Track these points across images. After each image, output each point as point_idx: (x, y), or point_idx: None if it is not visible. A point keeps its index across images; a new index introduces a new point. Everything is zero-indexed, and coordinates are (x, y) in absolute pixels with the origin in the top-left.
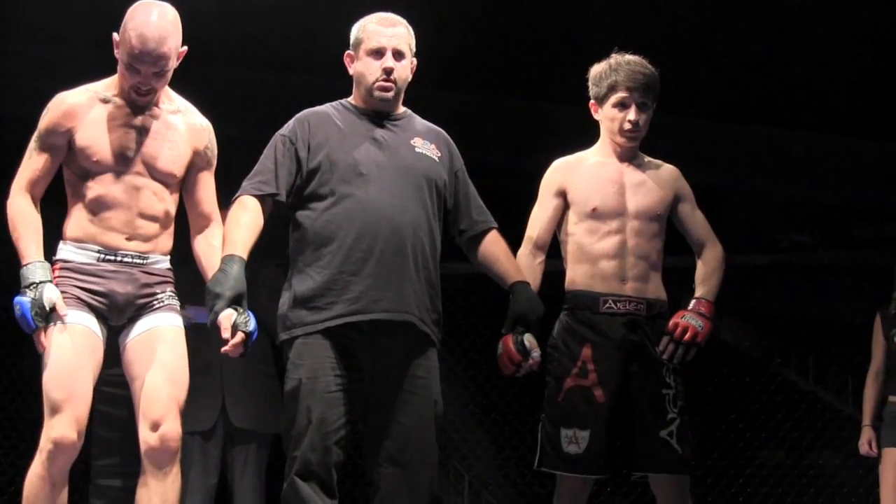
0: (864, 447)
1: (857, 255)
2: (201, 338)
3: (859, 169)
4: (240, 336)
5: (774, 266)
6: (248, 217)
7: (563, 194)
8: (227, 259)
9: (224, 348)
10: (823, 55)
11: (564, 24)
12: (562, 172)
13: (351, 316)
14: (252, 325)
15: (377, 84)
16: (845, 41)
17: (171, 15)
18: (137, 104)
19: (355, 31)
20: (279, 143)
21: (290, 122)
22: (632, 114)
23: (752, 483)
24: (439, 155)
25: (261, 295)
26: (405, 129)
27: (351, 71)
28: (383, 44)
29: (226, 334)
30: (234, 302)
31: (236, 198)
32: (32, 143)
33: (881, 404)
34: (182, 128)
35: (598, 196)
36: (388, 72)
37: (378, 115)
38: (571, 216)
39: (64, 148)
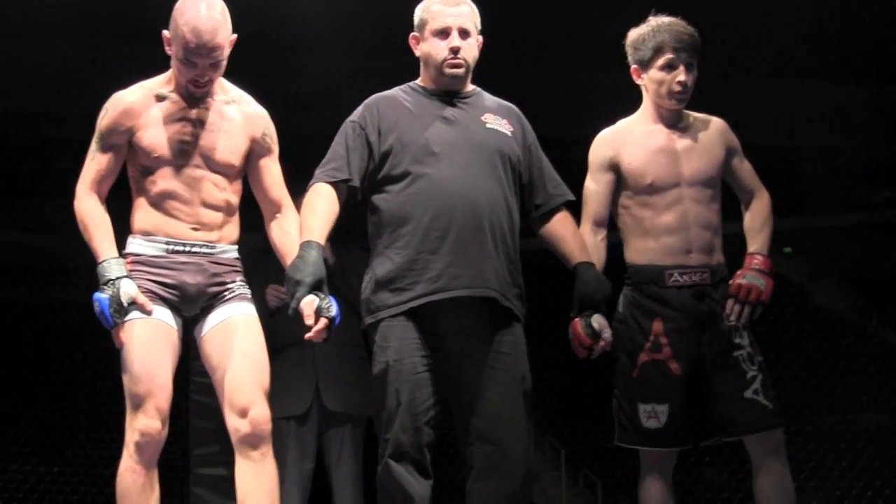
0: None
1: None
2: (293, 318)
3: None
4: (323, 322)
5: (865, 224)
6: (323, 203)
7: (614, 167)
8: (305, 245)
9: (308, 335)
10: None
11: None
12: (610, 145)
13: (432, 295)
14: (335, 310)
15: (446, 63)
16: None
17: (220, 5)
18: (194, 97)
19: (419, 12)
20: (349, 129)
21: (359, 108)
22: (681, 75)
23: (855, 447)
24: (511, 130)
25: (350, 279)
26: (475, 106)
27: (417, 53)
28: (448, 23)
29: (309, 321)
30: (315, 288)
31: (310, 185)
32: (94, 144)
33: None
34: (237, 117)
35: (653, 169)
36: (455, 51)
37: (447, 94)
38: (626, 189)
39: (125, 146)
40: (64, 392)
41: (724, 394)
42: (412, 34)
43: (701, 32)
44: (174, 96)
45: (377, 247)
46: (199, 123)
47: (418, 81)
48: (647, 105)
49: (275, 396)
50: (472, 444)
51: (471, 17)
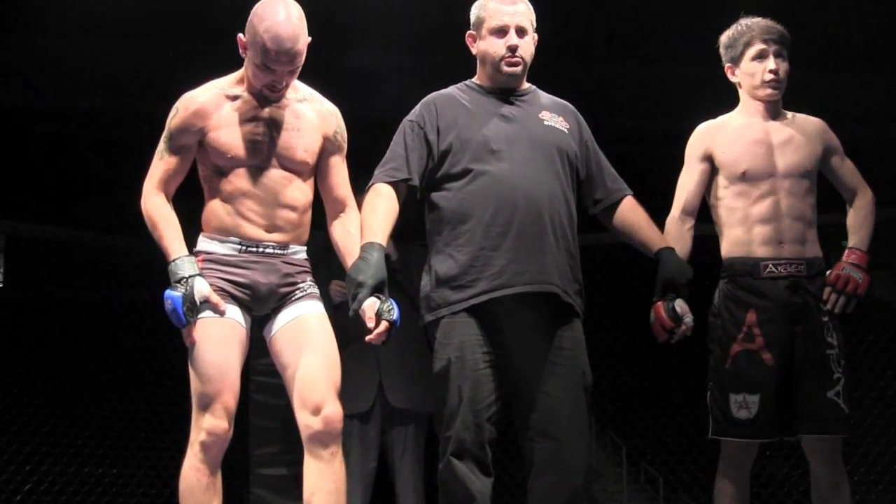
0: None
1: None
2: (355, 316)
3: None
4: (384, 325)
5: None
6: (383, 204)
7: (709, 158)
8: (366, 247)
9: (368, 337)
10: None
11: None
12: (706, 137)
13: (495, 291)
14: (395, 313)
15: (504, 61)
16: None
17: (297, 10)
18: (269, 99)
19: (476, 10)
20: (407, 128)
21: (417, 108)
22: (771, 63)
23: None
24: (568, 127)
25: (412, 275)
26: (532, 103)
27: (474, 51)
28: (506, 21)
29: (370, 323)
30: (377, 290)
31: (370, 186)
32: (162, 144)
33: None
34: (310, 115)
35: (747, 159)
36: (512, 49)
37: (504, 92)
38: (721, 180)
39: (194, 147)
40: (122, 393)
41: (811, 389)
42: (469, 32)
43: None
44: (246, 96)
45: (436, 244)
46: (273, 123)
47: (474, 79)
48: (744, 100)
49: None
50: (532, 440)
51: (527, 15)
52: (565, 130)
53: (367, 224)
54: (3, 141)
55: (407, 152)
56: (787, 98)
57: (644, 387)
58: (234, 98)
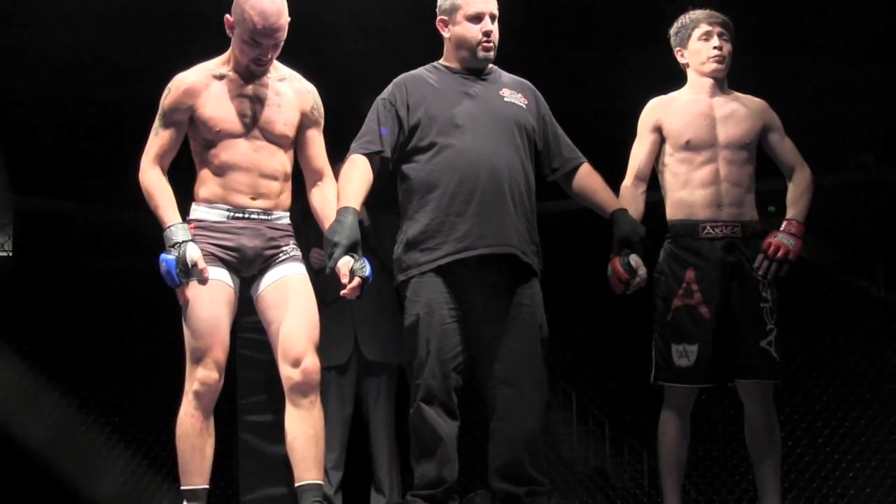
0: None
1: None
2: (332, 277)
3: None
4: (357, 280)
5: (842, 185)
6: (358, 173)
7: (658, 129)
8: (342, 211)
9: (343, 292)
10: None
11: None
12: (657, 110)
13: (459, 253)
14: (367, 270)
15: (481, 46)
16: None
17: None
18: (252, 75)
19: None
20: (380, 106)
21: (389, 87)
22: (715, 41)
23: (834, 383)
24: (526, 103)
25: (384, 239)
26: (494, 82)
27: (446, 34)
28: (481, 9)
29: (344, 279)
30: (351, 249)
31: (347, 157)
32: (157, 121)
33: None
34: (290, 93)
35: (691, 129)
36: (488, 34)
37: (470, 72)
38: (667, 148)
39: (186, 123)
40: (125, 351)
41: (745, 339)
42: (440, 18)
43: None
44: (232, 75)
45: (407, 211)
46: (257, 99)
47: (441, 61)
48: (691, 79)
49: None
50: (494, 387)
51: (495, 3)
52: (523, 106)
53: (343, 191)
54: (13, 126)
55: (380, 127)
56: (733, 80)
57: (592, 340)
58: (221, 77)
